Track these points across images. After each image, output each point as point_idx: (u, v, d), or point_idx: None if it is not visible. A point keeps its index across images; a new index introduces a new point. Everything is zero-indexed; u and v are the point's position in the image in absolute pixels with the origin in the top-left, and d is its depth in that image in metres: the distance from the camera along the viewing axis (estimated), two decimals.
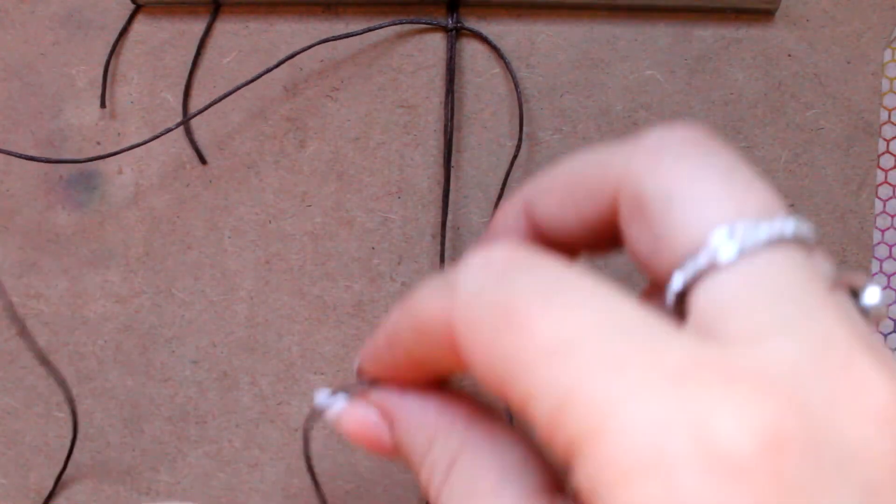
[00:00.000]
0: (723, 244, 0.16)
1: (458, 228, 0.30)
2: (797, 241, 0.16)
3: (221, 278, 0.31)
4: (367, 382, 0.23)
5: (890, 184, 0.30)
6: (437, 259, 0.30)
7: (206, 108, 0.30)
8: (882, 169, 0.30)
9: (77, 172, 0.31)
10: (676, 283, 0.17)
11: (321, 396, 0.24)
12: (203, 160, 0.30)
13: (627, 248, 0.19)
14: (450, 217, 0.30)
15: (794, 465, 0.13)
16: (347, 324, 0.30)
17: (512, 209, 0.21)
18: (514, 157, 0.30)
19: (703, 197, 0.17)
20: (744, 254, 0.16)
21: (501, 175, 0.30)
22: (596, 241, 0.20)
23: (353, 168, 0.30)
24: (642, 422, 0.14)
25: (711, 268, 0.16)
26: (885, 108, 0.30)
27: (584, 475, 0.14)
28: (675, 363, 0.14)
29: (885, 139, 0.30)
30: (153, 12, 0.30)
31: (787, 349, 0.15)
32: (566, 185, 0.19)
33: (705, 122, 0.30)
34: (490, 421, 0.21)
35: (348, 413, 0.23)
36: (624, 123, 0.30)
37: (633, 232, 0.18)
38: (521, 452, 0.20)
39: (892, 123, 0.30)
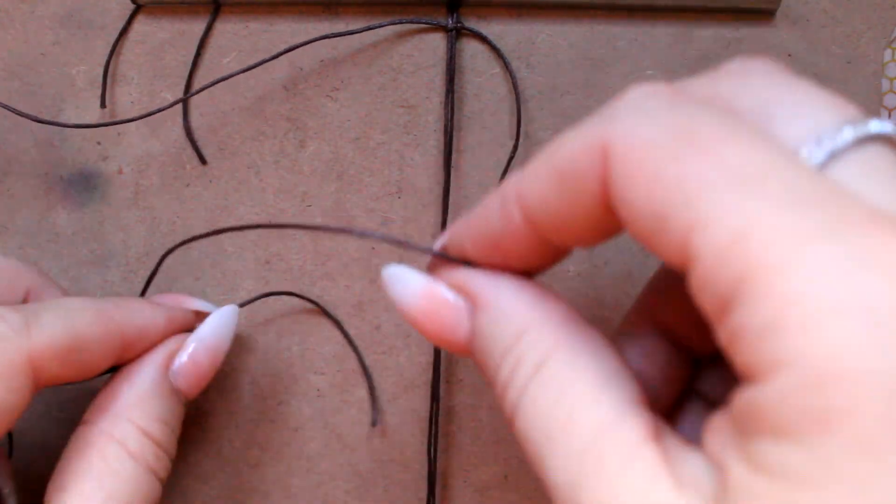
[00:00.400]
0: (847, 135, 0.15)
1: None
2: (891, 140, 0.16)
3: (221, 278, 0.31)
4: (448, 260, 0.20)
5: None
6: None
7: (201, 90, 0.30)
8: None
9: (77, 172, 0.31)
10: (818, 155, 0.15)
11: (392, 268, 0.21)
12: (203, 160, 0.30)
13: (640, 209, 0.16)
14: (450, 217, 0.30)
15: None
16: (347, 324, 0.30)
17: (507, 206, 0.19)
18: (511, 156, 0.30)
19: (809, 105, 0.16)
20: (859, 144, 0.15)
21: (501, 175, 0.30)
22: (592, 227, 0.18)
23: (353, 168, 0.30)
24: (838, 260, 0.12)
25: (839, 153, 0.15)
26: (885, 108, 0.30)
27: (754, 318, 0.13)
28: (860, 214, 0.13)
29: None
30: (153, 12, 0.30)
31: None
32: (555, 171, 0.17)
33: None
34: (585, 323, 0.19)
35: (423, 289, 0.20)
36: None
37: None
38: (618, 360, 0.18)
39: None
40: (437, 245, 0.22)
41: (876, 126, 0.15)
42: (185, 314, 0.28)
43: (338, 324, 0.30)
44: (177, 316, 0.27)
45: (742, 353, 0.13)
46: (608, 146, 0.16)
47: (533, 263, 0.19)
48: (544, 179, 0.17)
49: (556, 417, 0.17)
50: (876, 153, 0.15)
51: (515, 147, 0.30)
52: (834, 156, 0.15)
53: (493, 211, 0.19)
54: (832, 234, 0.13)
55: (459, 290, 0.20)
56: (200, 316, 0.28)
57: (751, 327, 0.13)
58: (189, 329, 0.27)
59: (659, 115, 0.16)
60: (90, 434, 0.24)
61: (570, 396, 0.17)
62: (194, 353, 0.26)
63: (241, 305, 0.29)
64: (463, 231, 0.20)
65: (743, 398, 0.14)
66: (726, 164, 0.14)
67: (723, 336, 0.14)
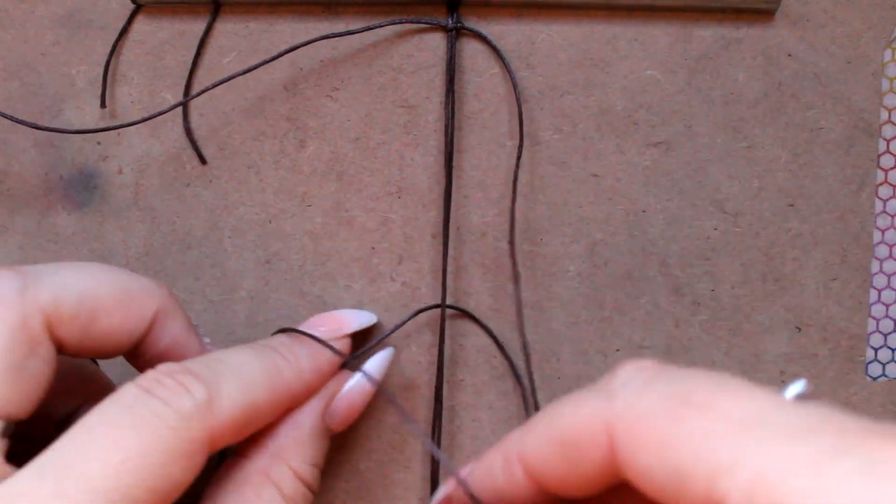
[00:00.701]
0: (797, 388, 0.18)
1: (459, 228, 0.30)
2: None
3: (221, 278, 0.31)
4: None
5: (890, 184, 0.30)
6: (438, 259, 0.30)
7: (201, 92, 0.30)
8: (882, 169, 0.30)
9: (77, 172, 0.31)
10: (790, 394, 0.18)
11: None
12: (203, 160, 0.30)
13: (639, 482, 0.18)
14: (451, 217, 0.30)
15: None
16: None
17: (507, 467, 0.20)
18: (519, 157, 0.30)
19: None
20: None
21: (501, 175, 0.30)
22: (593, 486, 0.19)
23: (353, 168, 0.30)
24: (854, 474, 0.14)
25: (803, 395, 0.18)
26: (885, 108, 0.30)
27: None
28: (858, 431, 0.15)
29: (885, 139, 0.30)
30: (153, 12, 0.30)
31: None
32: (558, 442, 0.19)
33: (705, 121, 0.30)
34: None
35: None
36: (624, 123, 0.30)
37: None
38: None
39: (892, 123, 0.30)
40: (440, 495, 0.24)
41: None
42: (345, 345, 0.28)
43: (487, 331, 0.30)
44: (337, 358, 0.27)
45: None
46: (612, 423, 0.18)
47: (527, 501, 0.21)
48: (547, 447, 0.19)
49: None
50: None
51: (521, 147, 0.30)
52: (802, 397, 0.18)
53: (497, 468, 0.21)
54: (842, 453, 0.14)
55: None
56: (334, 320, 0.28)
57: None
58: (346, 354, 0.28)
59: (653, 386, 0.17)
60: (246, 469, 0.25)
61: None
62: (352, 396, 0.27)
63: (393, 330, 0.29)
64: (482, 474, 0.22)
65: None
66: (727, 415, 0.16)
67: None
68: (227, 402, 0.22)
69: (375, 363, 0.28)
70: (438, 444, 0.30)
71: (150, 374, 0.22)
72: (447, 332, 0.30)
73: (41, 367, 0.22)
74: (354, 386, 0.27)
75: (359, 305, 0.30)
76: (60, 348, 0.23)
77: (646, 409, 0.17)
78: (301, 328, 0.27)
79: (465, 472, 0.23)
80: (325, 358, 0.27)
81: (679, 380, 0.17)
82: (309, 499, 0.26)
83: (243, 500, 0.24)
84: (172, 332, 0.25)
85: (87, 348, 0.24)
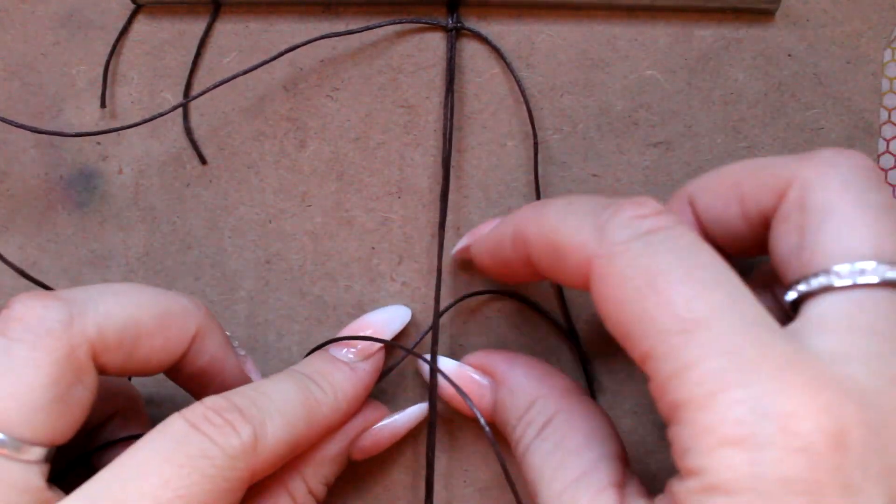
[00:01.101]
0: (845, 277, 0.19)
1: (459, 228, 0.30)
2: None
3: (221, 278, 0.31)
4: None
5: (890, 184, 0.30)
6: (437, 259, 0.30)
7: (202, 93, 0.30)
8: (882, 169, 0.30)
9: (77, 172, 0.31)
10: (793, 293, 0.20)
11: (444, 361, 0.28)
12: (203, 160, 0.30)
13: (769, 241, 0.22)
14: (450, 217, 0.30)
15: (849, 464, 0.17)
16: (347, 324, 0.30)
17: (678, 204, 0.24)
18: (535, 152, 0.30)
19: (852, 227, 0.20)
20: (858, 287, 0.19)
21: (501, 175, 0.30)
22: (751, 239, 0.22)
23: (353, 168, 0.30)
24: (741, 404, 0.17)
25: (828, 289, 0.19)
26: (885, 108, 0.30)
27: (683, 435, 0.18)
28: (777, 361, 0.18)
29: (885, 139, 0.30)
30: (153, 12, 0.30)
31: (862, 375, 0.18)
32: (735, 182, 0.22)
33: (705, 121, 0.30)
34: (580, 394, 0.26)
35: (455, 372, 0.28)
36: (624, 123, 0.30)
37: (781, 230, 0.21)
38: (604, 422, 0.24)
39: (892, 123, 0.30)
40: (460, 245, 0.29)
41: (889, 273, 0.19)
42: (379, 362, 0.28)
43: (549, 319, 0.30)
44: (373, 381, 0.28)
45: (674, 454, 0.19)
46: (592, 260, 0.20)
47: (526, 275, 0.25)
48: (544, 245, 0.22)
49: (549, 465, 0.23)
50: (866, 298, 0.19)
51: (536, 144, 0.30)
52: (827, 290, 0.19)
53: (506, 240, 0.24)
54: (745, 381, 0.17)
55: (484, 370, 0.28)
56: (368, 327, 0.29)
57: (679, 442, 0.18)
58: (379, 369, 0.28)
59: (633, 248, 0.20)
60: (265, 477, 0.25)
61: (562, 450, 0.23)
62: (380, 436, 0.28)
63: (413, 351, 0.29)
64: (483, 242, 0.26)
65: (672, 485, 0.19)
66: (674, 310, 0.18)
67: (668, 432, 0.19)
68: (271, 441, 0.23)
69: (407, 415, 0.29)
70: (434, 444, 0.30)
71: (198, 410, 0.22)
72: (449, 332, 0.30)
73: (85, 395, 0.22)
74: (386, 426, 0.28)
75: (359, 305, 0.30)
76: (103, 372, 0.23)
77: (619, 268, 0.19)
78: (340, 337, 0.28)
79: (485, 227, 0.27)
80: (362, 385, 0.27)
81: (658, 254, 0.19)
82: None
83: (261, 501, 0.25)
84: (210, 349, 0.26)
85: (129, 370, 0.24)
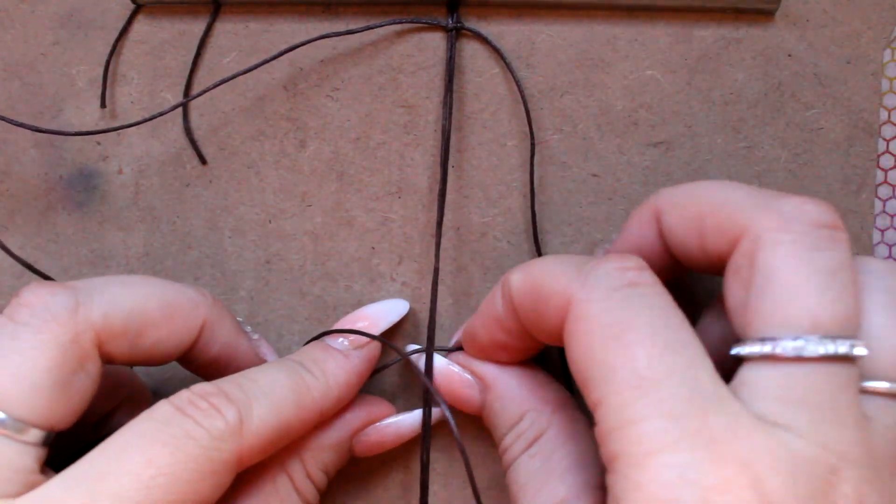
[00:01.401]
0: (784, 350, 0.19)
1: (458, 228, 0.30)
2: (848, 358, 0.19)
3: (221, 278, 0.31)
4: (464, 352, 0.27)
5: (890, 184, 0.30)
6: (434, 259, 0.30)
7: (202, 93, 0.30)
8: (882, 169, 0.30)
9: (77, 172, 0.31)
10: (738, 350, 0.20)
11: (435, 359, 0.28)
12: (203, 160, 0.30)
13: (723, 284, 0.22)
14: (450, 217, 0.30)
15: None
16: None
17: (646, 211, 0.24)
18: (532, 154, 0.30)
19: (794, 295, 0.19)
20: (800, 358, 0.19)
21: (501, 175, 0.30)
22: (710, 268, 0.23)
23: (353, 168, 0.30)
24: (671, 469, 0.18)
25: (768, 357, 0.19)
26: (885, 108, 0.30)
27: (616, 486, 0.19)
28: (713, 431, 0.18)
29: (885, 139, 0.30)
30: (153, 12, 0.30)
31: (797, 446, 0.18)
32: (698, 214, 0.22)
33: (705, 121, 0.30)
34: (572, 408, 0.26)
35: (441, 369, 0.28)
36: (624, 123, 0.30)
37: (731, 282, 0.21)
38: (590, 446, 0.25)
39: (892, 123, 0.30)
40: (455, 338, 0.29)
41: (842, 348, 0.19)
42: (374, 351, 0.28)
43: None
44: (367, 369, 0.28)
45: (609, 501, 0.19)
46: (573, 301, 0.21)
47: (522, 348, 0.26)
48: (527, 289, 0.23)
49: (532, 484, 0.24)
50: (802, 371, 0.19)
51: (532, 146, 0.30)
52: (767, 358, 0.20)
53: (496, 295, 0.25)
54: (679, 447, 0.18)
55: (473, 373, 0.27)
56: (365, 319, 0.29)
57: (613, 491, 0.19)
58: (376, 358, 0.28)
59: (612, 298, 0.20)
60: (266, 458, 0.25)
61: (546, 471, 0.24)
62: (384, 433, 0.28)
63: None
64: (474, 326, 0.27)
65: None
66: (633, 365, 0.19)
67: (606, 478, 0.20)
68: (258, 423, 0.23)
69: (413, 417, 0.29)
70: (429, 445, 0.30)
71: (184, 395, 0.23)
72: (449, 333, 0.30)
73: (87, 382, 0.23)
74: (390, 425, 0.28)
75: (359, 306, 0.30)
76: (109, 361, 0.24)
77: (595, 313, 0.20)
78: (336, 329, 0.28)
79: (474, 318, 0.27)
80: (356, 372, 0.27)
81: (632, 309, 0.20)
82: (316, 498, 0.27)
83: (260, 481, 0.25)
84: (221, 338, 0.26)
85: (136, 359, 0.24)
